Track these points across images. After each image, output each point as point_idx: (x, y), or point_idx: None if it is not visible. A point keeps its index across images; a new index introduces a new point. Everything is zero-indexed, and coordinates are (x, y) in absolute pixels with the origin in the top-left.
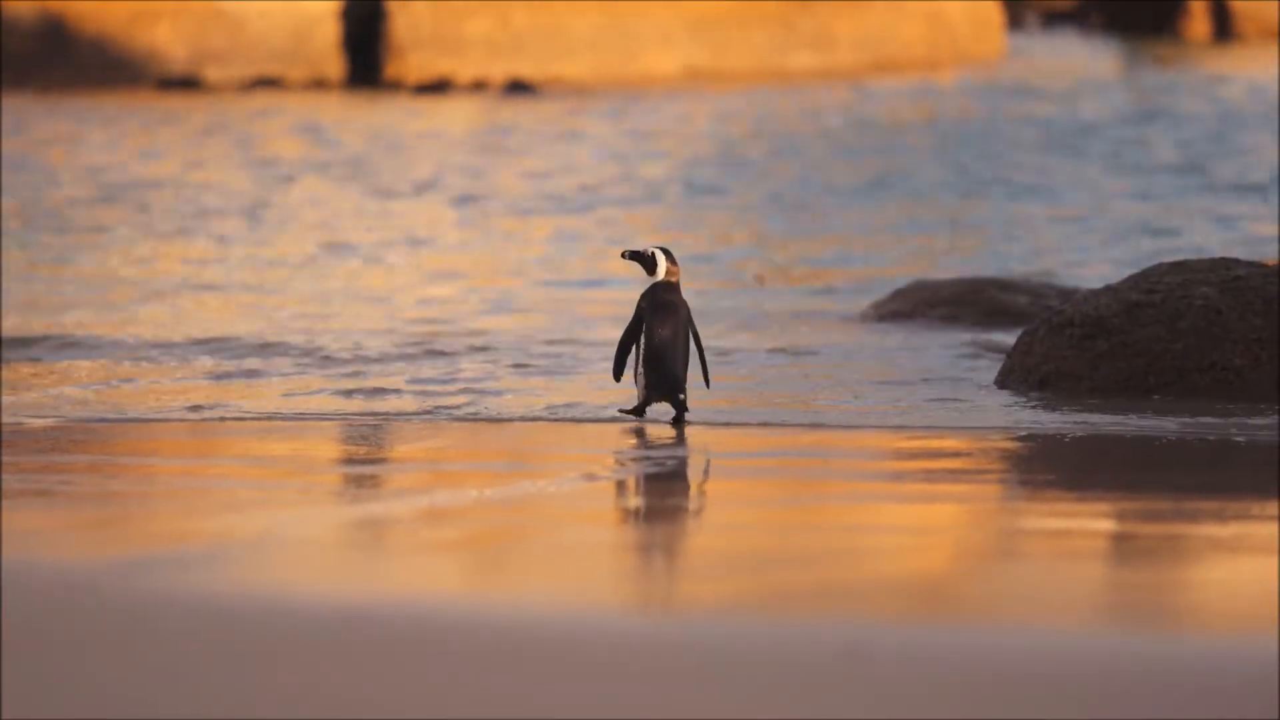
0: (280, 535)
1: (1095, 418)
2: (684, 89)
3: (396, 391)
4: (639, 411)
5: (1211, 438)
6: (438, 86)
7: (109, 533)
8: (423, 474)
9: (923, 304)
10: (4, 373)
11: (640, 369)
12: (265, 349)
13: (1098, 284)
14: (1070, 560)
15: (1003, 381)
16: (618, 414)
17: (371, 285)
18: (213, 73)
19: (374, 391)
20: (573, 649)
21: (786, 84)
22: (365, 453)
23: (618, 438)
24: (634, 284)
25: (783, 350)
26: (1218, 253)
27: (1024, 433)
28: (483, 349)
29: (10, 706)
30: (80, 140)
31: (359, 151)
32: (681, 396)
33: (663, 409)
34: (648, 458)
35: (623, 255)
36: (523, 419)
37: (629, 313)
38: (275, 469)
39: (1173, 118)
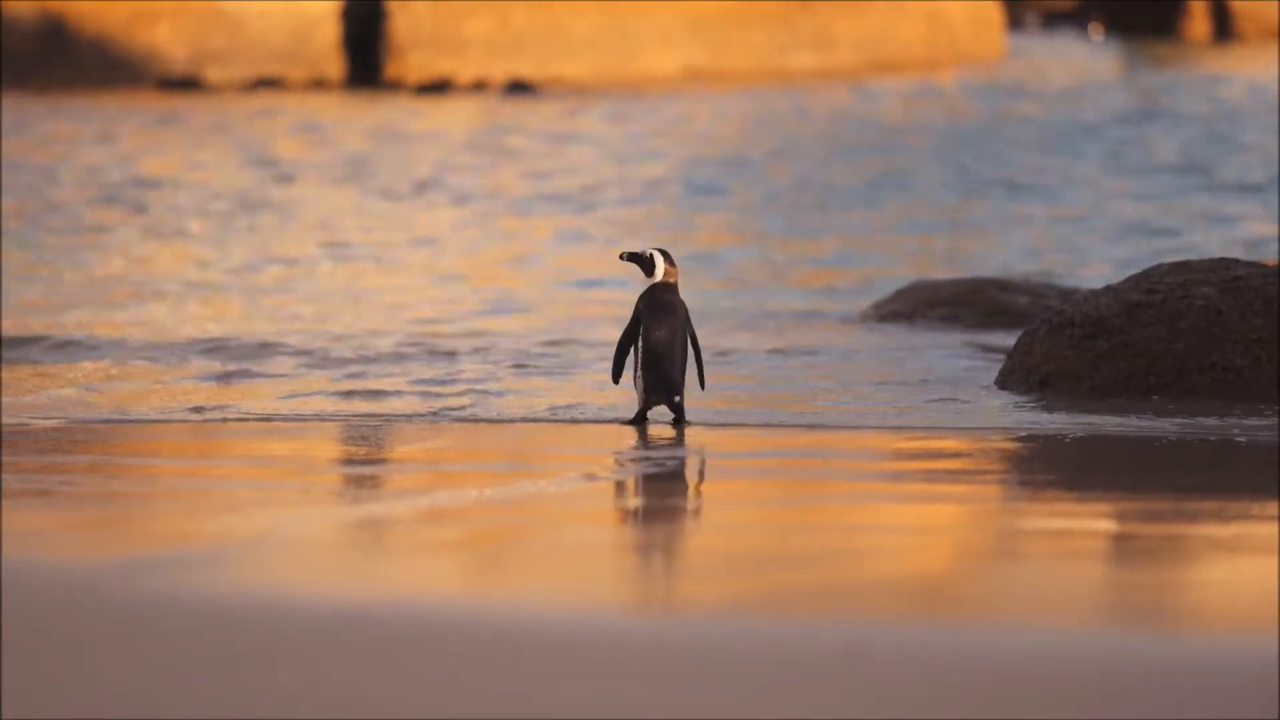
0: (280, 536)
1: (1095, 418)
2: (684, 89)
3: (397, 392)
4: (639, 418)
5: (1212, 438)
6: (438, 86)
7: (109, 533)
8: (423, 474)
9: (923, 304)
10: (4, 373)
11: (639, 371)
12: (265, 349)
13: (1098, 284)
14: (1070, 560)
15: (1003, 382)
16: (619, 422)
17: (371, 285)
18: (213, 73)
19: (374, 392)
20: (573, 649)
21: (786, 84)
22: (365, 453)
23: (618, 438)
24: (633, 284)
25: (783, 350)
26: (1218, 253)
27: (1024, 433)
28: (483, 349)
29: (10, 706)
30: (80, 140)
31: (359, 151)
32: (678, 399)
33: (663, 410)
34: (648, 458)
35: (621, 257)
36: (523, 419)
37: (629, 313)
38: (275, 469)
39: (1173, 118)
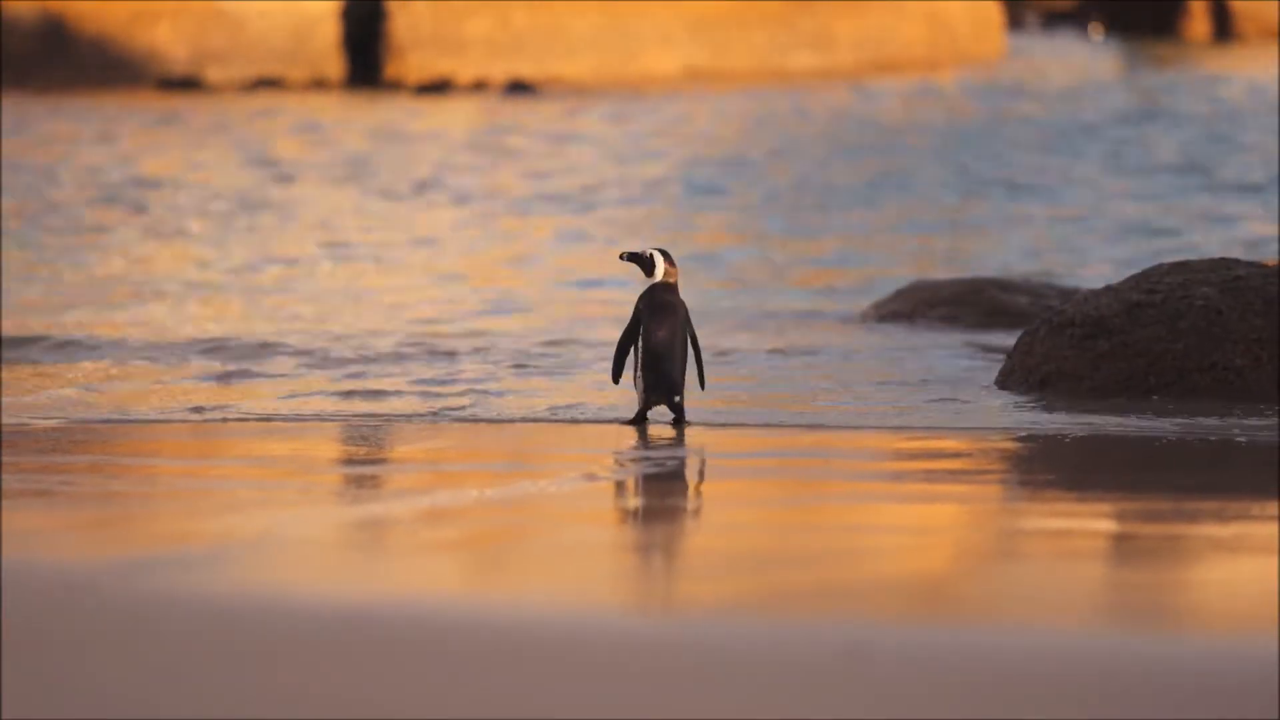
0: (280, 536)
1: (1095, 418)
2: (684, 89)
3: (397, 392)
4: (639, 418)
5: (1212, 438)
6: (438, 87)
7: (109, 533)
8: (423, 474)
9: (923, 304)
10: (4, 373)
11: (639, 371)
12: (265, 349)
13: (1098, 284)
14: (1070, 560)
15: (1003, 382)
16: (619, 422)
17: (371, 285)
18: (213, 73)
19: (374, 392)
20: (573, 649)
21: (786, 84)
22: (365, 453)
23: (618, 438)
24: (633, 284)
25: (783, 350)
26: (1218, 253)
27: (1024, 433)
28: (483, 349)
29: (10, 706)
30: (80, 140)
31: (359, 151)
32: (677, 399)
33: (663, 410)
34: (648, 458)
35: (620, 257)
36: (523, 420)
37: (629, 313)
38: (275, 469)
39: (1173, 118)
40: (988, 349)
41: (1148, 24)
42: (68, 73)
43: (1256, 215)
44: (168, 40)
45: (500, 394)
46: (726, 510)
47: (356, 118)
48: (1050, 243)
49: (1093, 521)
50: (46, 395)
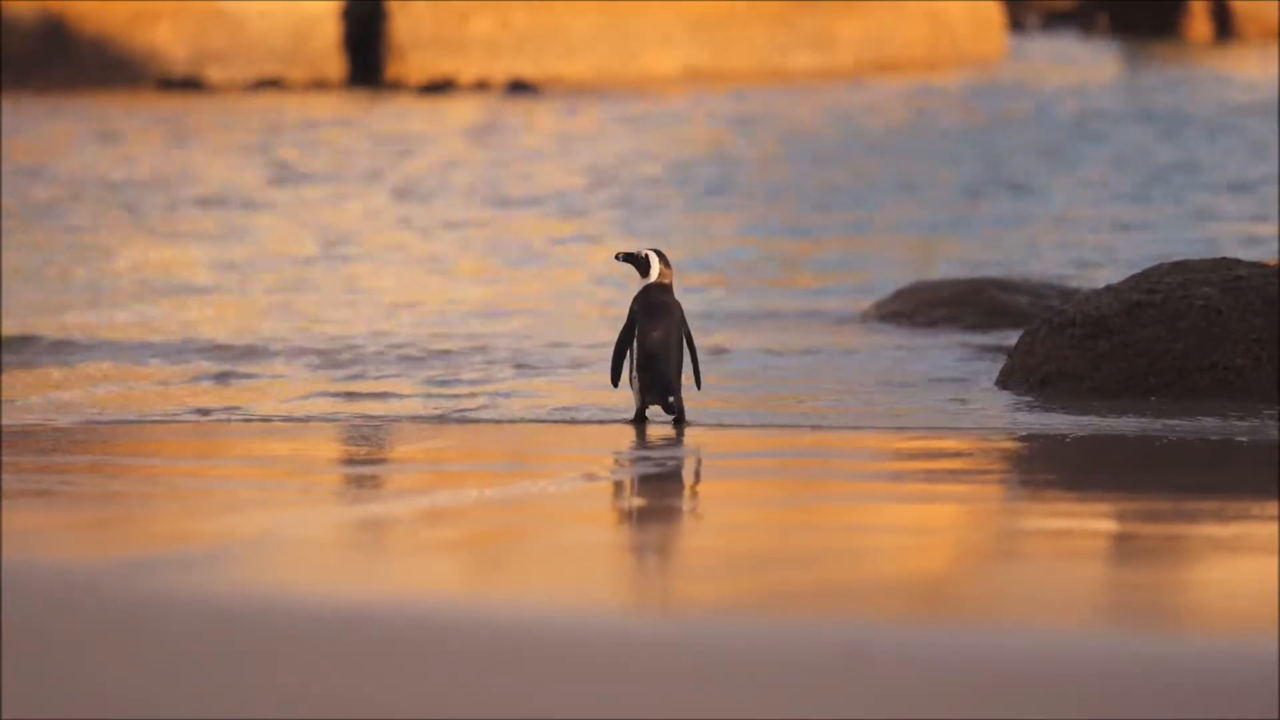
0: (280, 536)
1: (1095, 418)
2: (684, 89)
3: (397, 393)
4: (638, 417)
5: (1212, 438)
6: (439, 87)
7: (109, 533)
8: (423, 474)
9: (923, 304)
10: (4, 373)
11: (634, 372)
12: (265, 349)
13: (1098, 284)
14: (1070, 560)
15: (1003, 382)
16: (619, 423)
17: (372, 285)
18: (213, 73)
19: (374, 393)
20: (573, 649)
21: (786, 84)
22: (365, 453)
23: (618, 438)
24: (633, 285)
25: (783, 350)
26: (1218, 253)
27: (1024, 433)
28: (483, 350)
29: (10, 706)
30: (81, 140)
31: (359, 152)
32: (672, 399)
33: (661, 410)
34: (648, 458)
35: (616, 257)
36: (523, 420)
37: (626, 314)
38: (276, 469)
39: (1173, 118)
40: (988, 349)
41: (1148, 24)
42: (68, 73)
43: (1256, 215)
44: (168, 40)
45: (500, 394)
46: (726, 510)
47: (357, 118)
48: (1050, 243)
49: (1093, 521)
50: (46, 395)
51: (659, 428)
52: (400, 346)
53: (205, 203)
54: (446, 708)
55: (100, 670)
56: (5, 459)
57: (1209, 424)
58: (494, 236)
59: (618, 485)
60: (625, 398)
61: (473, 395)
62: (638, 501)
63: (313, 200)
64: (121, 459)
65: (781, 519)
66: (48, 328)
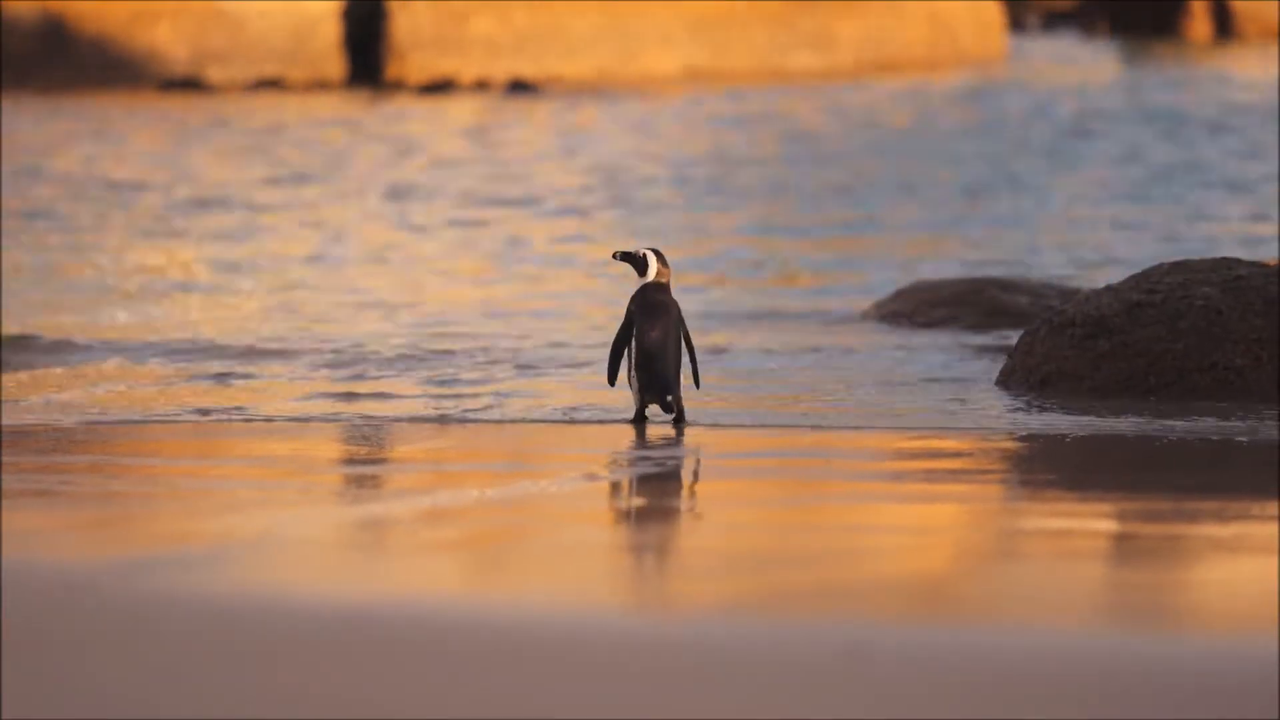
0: (280, 536)
1: (1095, 418)
2: (684, 89)
3: (397, 393)
4: (638, 417)
5: (1212, 438)
6: (440, 87)
7: (109, 533)
8: (423, 474)
9: (923, 304)
10: (4, 374)
11: (634, 372)
12: (265, 350)
13: (1098, 284)
14: (1070, 560)
15: (1003, 382)
16: (619, 423)
17: (372, 285)
18: (213, 73)
19: (374, 393)
20: (573, 649)
21: (786, 84)
22: (366, 453)
23: (618, 438)
24: (633, 285)
25: (783, 350)
26: (1218, 253)
27: (1024, 433)
28: (483, 350)
29: (10, 706)
30: (81, 140)
31: (359, 152)
32: (670, 398)
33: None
34: (648, 458)
35: (614, 256)
36: (523, 420)
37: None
38: (276, 469)
39: (1173, 118)
40: (988, 349)
41: (1149, 24)
42: (68, 73)
43: (1256, 215)
44: (168, 40)
45: (501, 394)
46: (726, 510)
47: (357, 118)
48: (1051, 242)
49: (1093, 521)
50: (46, 396)
51: (659, 428)
52: (400, 346)
53: (205, 203)
54: (446, 708)
55: (100, 670)
56: (5, 459)
57: (1209, 424)
58: (494, 236)
59: (618, 485)
60: (625, 398)
61: (473, 395)
62: (638, 501)
63: (313, 200)
64: (121, 459)
65: (781, 519)
66: (48, 328)
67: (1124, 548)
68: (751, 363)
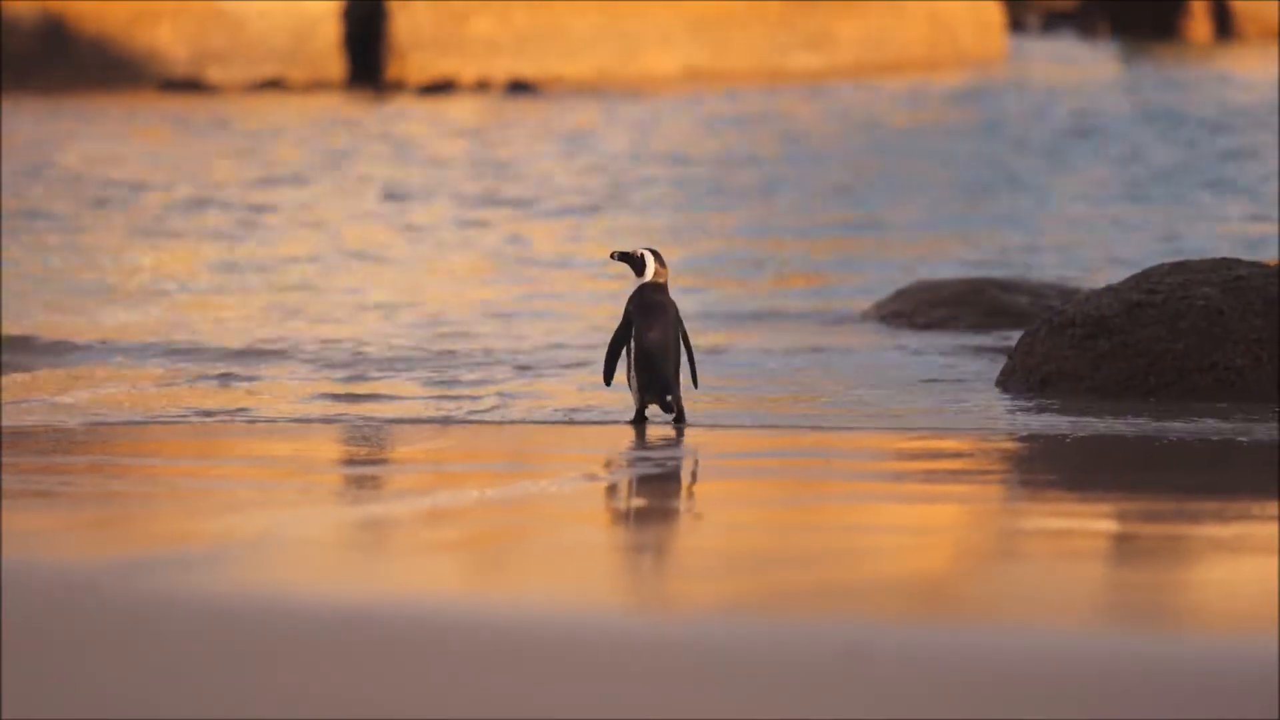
0: (280, 536)
1: (1095, 418)
2: (684, 89)
3: (397, 394)
4: (638, 418)
5: (1212, 438)
6: (440, 87)
7: (109, 533)
8: (423, 475)
9: (923, 304)
10: (4, 374)
11: (633, 372)
12: (266, 351)
13: (1098, 284)
14: (1070, 560)
15: (1003, 382)
16: (619, 423)
17: (373, 286)
18: (214, 73)
19: (375, 394)
20: (573, 649)
21: (786, 84)
22: (366, 454)
23: (618, 438)
24: (629, 284)
25: (783, 350)
26: (1218, 253)
27: (1025, 433)
28: (484, 351)
29: (10, 706)
30: (81, 140)
31: (359, 152)
32: (670, 398)
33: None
34: (648, 458)
35: (611, 256)
36: (524, 420)
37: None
38: (276, 469)
39: (1173, 118)
40: (988, 349)
41: (1148, 24)
42: (68, 73)
43: (1256, 215)
44: (168, 41)
45: (501, 395)
46: (726, 510)
47: (358, 118)
48: (1051, 242)
49: (1093, 521)
50: (46, 396)
51: (658, 428)
52: (400, 347)
53: (205, 203)
54: (446, 708)
55: (100, 670)
56: (5, 459)
57: (1209, 424)
58: (493, 236)
59: (618, 486)
60: (625, 399)
61: (473, 396)
62: (638, 502)
63: (313, 200)
64: (122, 459)
65: (781, 519)
66: (48, 328)
67: (1124, 548)
68: (751, 363)
